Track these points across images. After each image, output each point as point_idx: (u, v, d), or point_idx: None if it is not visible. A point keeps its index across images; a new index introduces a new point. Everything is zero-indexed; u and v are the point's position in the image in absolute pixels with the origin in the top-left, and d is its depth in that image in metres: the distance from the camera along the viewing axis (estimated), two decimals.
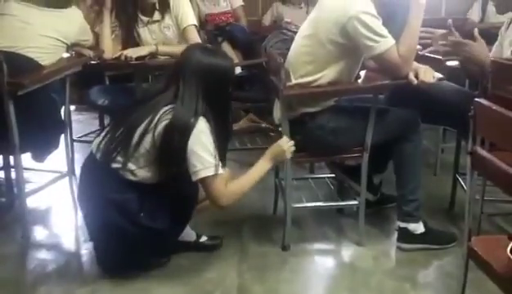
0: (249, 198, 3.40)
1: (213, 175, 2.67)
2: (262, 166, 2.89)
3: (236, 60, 4.65)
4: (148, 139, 2.70)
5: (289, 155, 2.95)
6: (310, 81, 3.03)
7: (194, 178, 2.68)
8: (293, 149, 2.95)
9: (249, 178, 2.82)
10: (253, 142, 4.88)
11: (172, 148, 2.64)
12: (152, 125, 2.67)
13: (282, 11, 5.94)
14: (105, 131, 2.87)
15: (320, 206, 3.56)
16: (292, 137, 3.03)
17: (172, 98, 2.72)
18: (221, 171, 2.71)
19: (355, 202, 3.33)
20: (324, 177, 3.95)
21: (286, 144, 2.95)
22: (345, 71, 3.03)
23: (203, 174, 2.67)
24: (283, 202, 3.33)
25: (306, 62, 3.04)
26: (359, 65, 3.12)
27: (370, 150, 3.11)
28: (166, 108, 2.69)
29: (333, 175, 3.81)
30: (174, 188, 2.76)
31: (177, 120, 2.64)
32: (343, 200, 3.57)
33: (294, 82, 3.08)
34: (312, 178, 3.98)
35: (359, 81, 3.29)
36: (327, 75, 3.02)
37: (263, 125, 4.60)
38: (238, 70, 4.82)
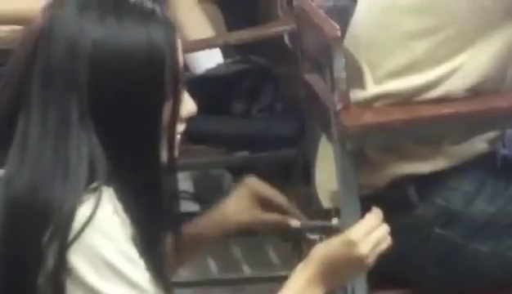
0: None
1: None
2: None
3: (209, 31, 2.80)
4: None
5: (370, 261, 1.32)
6: (417, 87, 1.58)
7: None
8: (388, 240, 1.34)
9: None
10: (256, 261, 2.48)
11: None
12: None
13: None
14: None
15: None
16: None
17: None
18: None
19: None
20: None
21: (368, 238, 1.32)
22: None
23: None
24: None
25: (410, 37, 1.61)
26: None
27: None
28: None
29: None
30: None
31: (24, 203, 1.06)
32: None
33: (372, 90, 1.64)
34: None
35: None
36: (471, 66, 1.55)
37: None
38: (215, 60, 2.88)
